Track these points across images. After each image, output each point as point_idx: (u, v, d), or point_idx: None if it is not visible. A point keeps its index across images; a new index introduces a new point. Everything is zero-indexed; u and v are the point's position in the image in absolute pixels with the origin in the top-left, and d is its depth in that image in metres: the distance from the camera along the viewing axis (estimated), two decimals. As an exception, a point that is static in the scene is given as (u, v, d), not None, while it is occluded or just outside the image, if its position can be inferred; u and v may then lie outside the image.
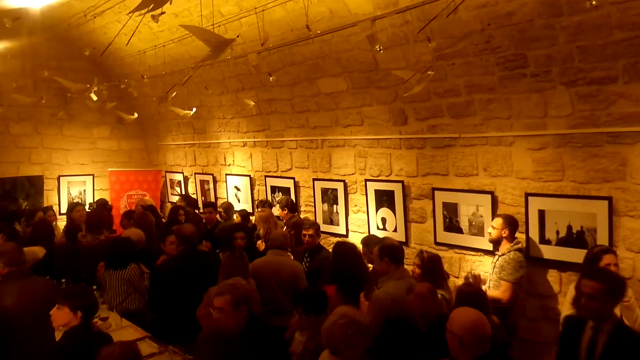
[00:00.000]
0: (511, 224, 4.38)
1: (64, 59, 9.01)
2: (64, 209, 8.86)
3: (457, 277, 5.15)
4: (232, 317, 3.16)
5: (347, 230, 6.40)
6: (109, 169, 9.74)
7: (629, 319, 3.55)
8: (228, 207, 7.43)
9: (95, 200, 9.25)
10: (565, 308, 3.87)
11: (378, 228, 5.95)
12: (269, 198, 7.40)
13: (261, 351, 3.12)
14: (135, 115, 7.46)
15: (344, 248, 4.29)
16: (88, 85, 6.27)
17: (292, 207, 6.67)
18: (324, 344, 2.95)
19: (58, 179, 9.38)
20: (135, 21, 5.98)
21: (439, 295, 3.89)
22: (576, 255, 4.11)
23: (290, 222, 6.23)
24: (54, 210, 7.94)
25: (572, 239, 4.29)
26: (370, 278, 4.25)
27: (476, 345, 2.67)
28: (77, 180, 9.58)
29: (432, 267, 4.08)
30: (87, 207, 8.55)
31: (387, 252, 3.94)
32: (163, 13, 3.84)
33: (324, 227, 6.40)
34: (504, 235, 4.37)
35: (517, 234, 4.49)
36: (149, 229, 6.17)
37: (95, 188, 9.73)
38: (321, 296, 3.48)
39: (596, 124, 4.04)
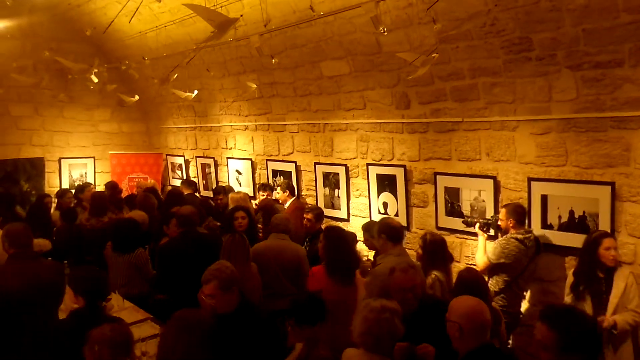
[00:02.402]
0: (516, 212, 4.31)
1: (64, 40, 8.93)
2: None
3: (459, 262, 5.16)
4: (223, 300, 3.18)
5: (349, 214, 6.41)
6: (110, 152, 9.73)
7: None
8: (229, 190, 7.43)
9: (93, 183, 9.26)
10: (566, 293, 3.90)
11: (379, 212, 5.95)
12: (270, 182, 7.39)
13: (252, 332, 3.13)
14: (136, 97, 7.43)
15: (333, 232, 4.28)
16: (89, 66, 6.23)
17: (293, 190, 6.67)
18: (361, 343, 2.72)
19: (59, 161, 9.38)
20: (135, 2, 5.92)
21: (433, 276, 3.91)
22: (578, 240, 4.09)
23: (261, 203, 6.20)
24: (71, 192, 7.96)
25: (574, 224, 4.28)
26: (359, 261, 4.32)
27: (476, 333, 2.64)
28: (79, 163, 9.58)
29: (433, 249, 4.09)
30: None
31: (386, 229, 4.07)
32: (165, -8, 3.80)
33: (325, 212, 6.40)
34: (510, 225, 4.30)
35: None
36: (152, 212, 6.18)
37: (96, 171, 9.74)
38: (315, 304, 3.12)
39: (601, 109, 4.00)
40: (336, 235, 4.19)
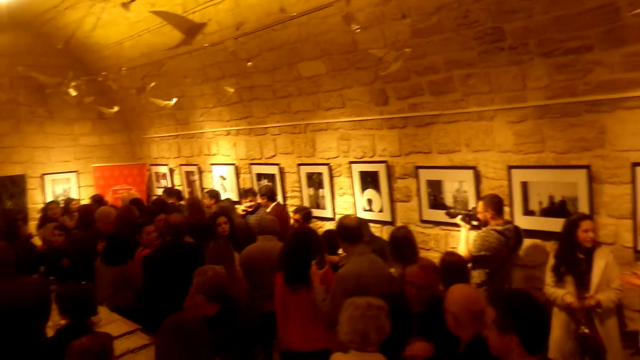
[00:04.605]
0: (493, 203, 4.27)
1: (39, 55, 8.81)
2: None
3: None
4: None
5: (334, 213, 6.42)
6: (93, 165, 9.64)
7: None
8: (216, 194, 7.40)
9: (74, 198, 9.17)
10: (547, 277, 3.95)
11: (364, 209, 5.98)
12: (255, 186, 7.38)
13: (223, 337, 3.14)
14: (116, 108, 7.36)
15: (295, 236, 4.09)
16: (64, 79, 6.17)
17: (271, 195, 6.61)
18: (349, 342, 2.67)
19: (42, 177, 9.27)
20: (109, 13, 5.89)
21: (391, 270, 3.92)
22: (559, 225, 4.12)
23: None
24: (55, 203, 7.93)
25: (554, 208, 4.34)
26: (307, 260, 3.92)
27: (472, 321, 2.60)
28: (61, 178, 9.47)
29: (393, 244, 4.17)
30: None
31: (340, 230, 3.80)
32: (133, 0, 3.80)
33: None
34: (489, 216, 4.27)
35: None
36: (134, 223, 6.10)
37: (80, 185, 9.63)
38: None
39: (574, 94, 4.06)
40: (289, 239, 4.07)
